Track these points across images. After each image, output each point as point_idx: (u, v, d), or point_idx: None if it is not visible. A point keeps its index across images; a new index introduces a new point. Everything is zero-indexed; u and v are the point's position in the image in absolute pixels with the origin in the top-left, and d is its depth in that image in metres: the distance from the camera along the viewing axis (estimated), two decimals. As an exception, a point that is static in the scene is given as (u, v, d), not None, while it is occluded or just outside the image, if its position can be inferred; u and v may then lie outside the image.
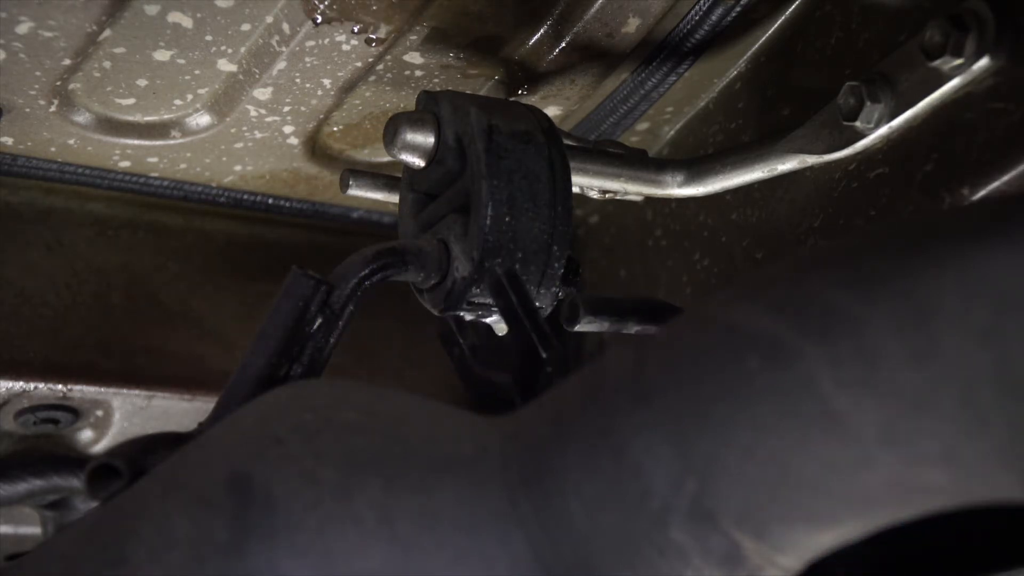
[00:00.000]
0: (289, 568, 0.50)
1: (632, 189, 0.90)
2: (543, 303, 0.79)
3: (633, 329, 0.83)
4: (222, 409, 0.67)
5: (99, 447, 1.00)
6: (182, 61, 0.86)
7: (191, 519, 0.52)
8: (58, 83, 0.87)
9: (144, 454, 0.62)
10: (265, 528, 0.51)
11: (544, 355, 0.71)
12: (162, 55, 0.86)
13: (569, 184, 0.79)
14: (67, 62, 0.85)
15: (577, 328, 0.80)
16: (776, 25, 0.93)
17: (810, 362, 0.47)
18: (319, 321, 0.70)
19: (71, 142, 0.92)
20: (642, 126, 0.99)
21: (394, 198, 0.87)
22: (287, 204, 1.04)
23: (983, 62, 0.75)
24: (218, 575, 0.51)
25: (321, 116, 0.93)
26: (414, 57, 0.89)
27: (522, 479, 0.52)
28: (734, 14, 0.89)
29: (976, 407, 0.44)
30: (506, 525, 0.52)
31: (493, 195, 0.77)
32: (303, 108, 0.92)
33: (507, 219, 0.77)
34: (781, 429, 0.47)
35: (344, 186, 0.88)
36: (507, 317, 0.72)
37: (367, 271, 0.73)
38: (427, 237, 0.77)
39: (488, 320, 0.80)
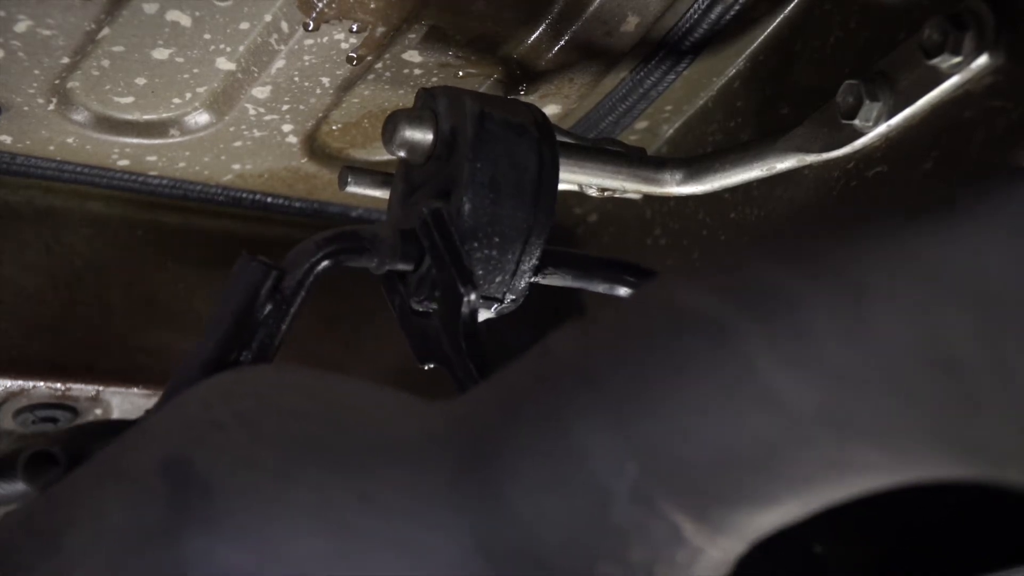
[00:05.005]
0: (225, 554, 0.49)
1: (631, 187, 0.90)
2: (515, 294, 0.79)
3: (599, 288, 0.83)
4: (169, 396, 0.67)
5: (98, 446, 1.00)
6: (181, 60, 0.86)
7: (126, 506, 0.52)
8: (57, 82, 0.87)
9: (83, 441, 0.62)
10: (201, 514, 0.50)
11: (462, 291, 0.73)
12: (161, 53, 0.86)
13: (556, 182, 0.79)
14: (66, 60, 0.85)
15: (539, 280, 0.80)
16: (775, 24, 0.93)
17: (748, 341, 0.46)
18: (269, 307, 0.70)
19: (70, 141, 0.92)
20: (641, 124, 0.99)
21: (393, 196, 0.87)
22: (286, 203, 1.04)
23: (982, 60, 0.76)
24: (153, 562, 0.50)
25: (320, 114, 0.93)
26: (412, 55, 0.89)
27: (465, 464, 0.52)
28: (733, 12, 0.89)
29: (905, 384, 0.44)
30: (448, 511, 0.51)
31: (475, 176, 0.77)
32: (302, 107, 0.92)
33: (487, 203, 0.77)
34: (720, 409, 0.47)
35: (343, 183, 0.88)
36: (433, 256, 0.75)
37: (319, 256, 0.72)
38: (382, 222, 0.76)
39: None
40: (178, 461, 0.52)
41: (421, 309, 0.78)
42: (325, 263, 0.72)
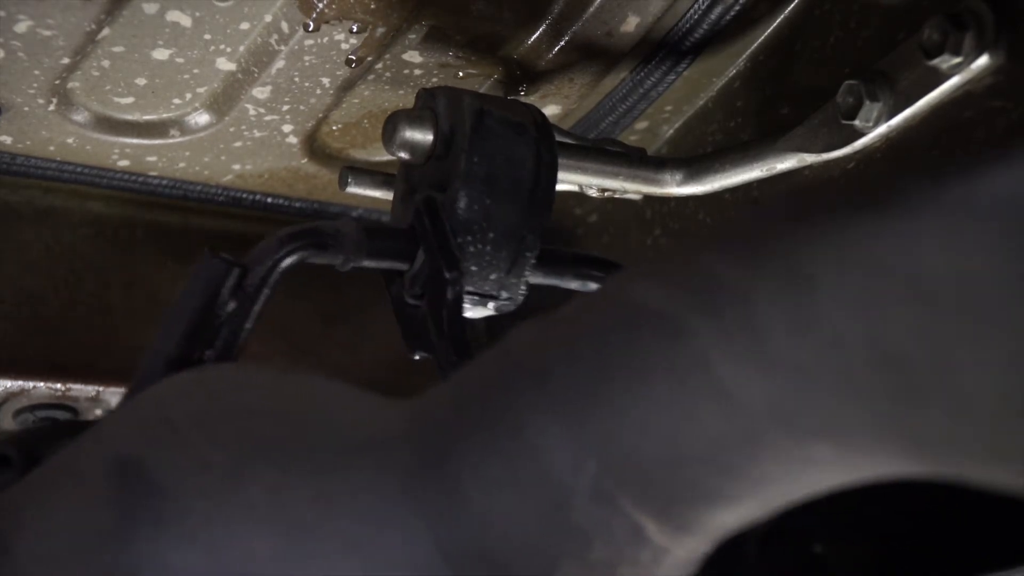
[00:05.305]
0: (175, 557, 0.49)
1: (631, 187, 0.90)
2: (511, 293, 0.79)
3: (572, 284, 0.83)
4: (130, 396, 0.66)
5: (98, 446, 1.00)
6: (181, 60, 0.86)
7: (76, 508, 0.51)
8: (57, 82, 0.87)
9: (39, 443, 0.61)
10: (151, 515, 0.49)
11: (448, 276, 0.73)
12: (161, 54, 0.86)
13: (553, 182, 0.79)
14: (66, 61, 0.85)
15: None
16: (775, 24, 0.93)
17: (699, 336, 0.46)
18: (232, 305, 0.69)
19: (70, 141, 0.92)
20: (641, 125, 0.99)
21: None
22: (286, 203, 1.04)
23: (982, 60, 0.76)
24: (102, 565, 0.49)
25: (320, 115, 0.93)
26: (413, 56, 0.89)
27: (422, 463, 0.51)
28: (733, 13, 0.90)
29: (852, 378, 0.44)
30: (405, 511, 0.50)
31: (471, 171, 0.77)
32: (302, 107, 0.92)
33: (483, 198, 0.77)
34: (674, 405, 0.46)
35: (343, 184, 0.88)
36: (423, 243, 0.75)
37: (282, 253, 0.71)
38: (347, 219, 0.76)
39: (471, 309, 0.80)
40: (130, 462, 0.51)
41: (417, 303, 0.78)
42: (289, 260, 0.72)
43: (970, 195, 0.43)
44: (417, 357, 0.78)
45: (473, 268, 0.77)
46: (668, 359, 0.47)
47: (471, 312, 0.79)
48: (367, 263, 0.76)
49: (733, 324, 0.45)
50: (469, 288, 0.77)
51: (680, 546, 0.49)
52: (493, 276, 0.78)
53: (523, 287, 0.79)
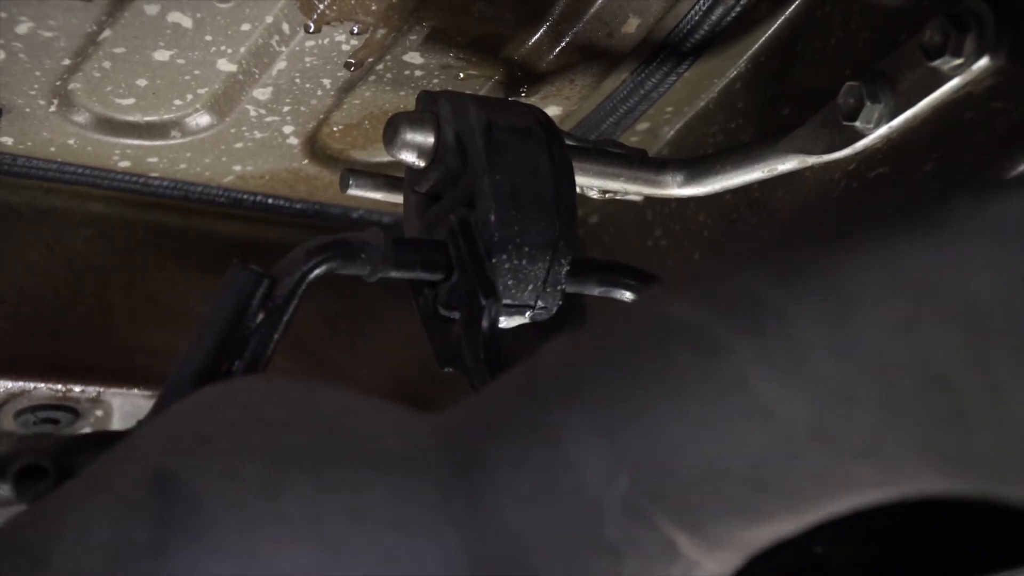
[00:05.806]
0: (212, 569, 0.49)
1: (632, 189, 0.90)
2: (547, 302, 0.78)
3: (594, 291, 0.83)
4: (160, 407, 0.66)
5: (99, 447, 1.00)
6: (182, 61, 0.86)
7: (112, 520, 0.51)
8: (58, 83, 0.87)
9: (73, 454, 0.61)
10: (187, 528, 0.50)
11: (483, 301, 0.73)
12: (162, 55, 0.86)
13: (572, 179, 0.79)
14: (67, 62, 0.85)
15: None
16: (776, 25, 0.93)
17: (739, 355, 0.46)
18: (261, 316, 0.69)
19: (71, 142, 0.92)
20: (642, 126, 0.99)
21: (393, 198, 0.87)
22: (287, 204, 1.04)
23: (983, 62, 0.76)
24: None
25: (321, 116, 0.93)
26: (414, 57, 0.89)
27: (455, 475, 0.51)
28: (734, 14, 0.90)
29: (895, 399, 0.44)
30: (437, 523, 0.51)
31: (496, 189, 0.76)
32: (303, 108, 0.92)
33: (513, 213, 0.76)
34: (711, 422, 0.47)
35: (344, 186, 0.88)
36: (457, 263, 0.75)
37: (311, 264, 0.72)
38: (374, 230, 0.76)
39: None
40: (164, 474, 0.51)
41: (449, 316, 0.77)
42: (317, 271, 0.72)
43: (1015, 215, 0.43)
44: (446, 371, 0.78)
45: (510, 282, 0.76)
46: (704, 375, 0.47)
47: (506, 322, 0.78)
48: (394, 274, 0.76)
49: (772, 342, 0.45)
50: (507, 301, 0.76)
51: (712, 560, 0.49)
52: (530, 287, 0.77)
53: (559, 295, 0.79)
